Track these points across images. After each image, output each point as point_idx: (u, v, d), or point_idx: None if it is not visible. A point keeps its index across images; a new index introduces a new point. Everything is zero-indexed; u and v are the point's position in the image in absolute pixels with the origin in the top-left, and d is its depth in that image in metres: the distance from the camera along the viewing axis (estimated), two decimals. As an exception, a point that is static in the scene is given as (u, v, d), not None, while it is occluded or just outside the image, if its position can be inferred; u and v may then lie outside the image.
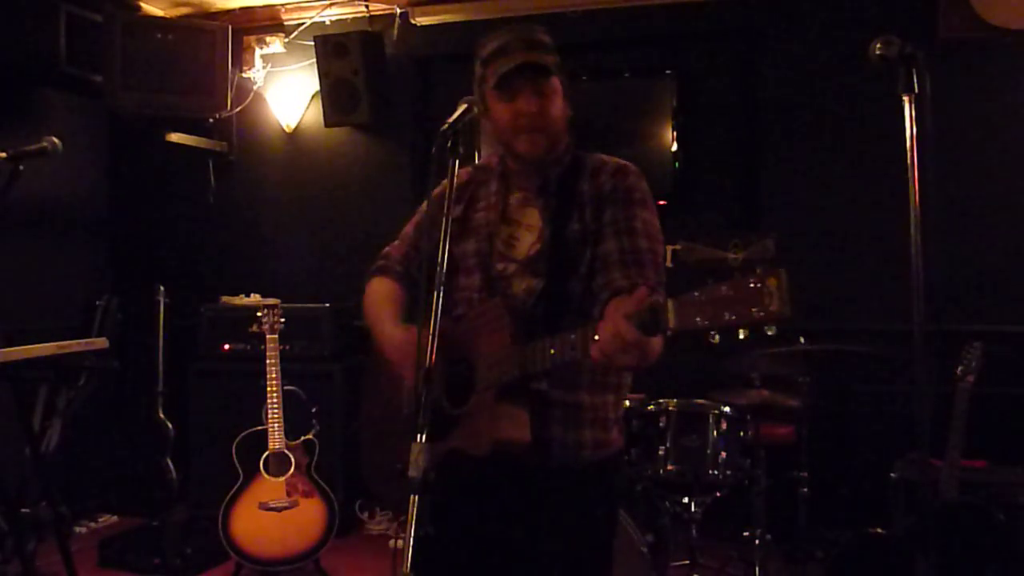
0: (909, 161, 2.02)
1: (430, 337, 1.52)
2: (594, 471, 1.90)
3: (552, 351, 1.62)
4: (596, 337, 1.51)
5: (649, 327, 1.43)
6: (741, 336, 1.31)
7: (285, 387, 3.75)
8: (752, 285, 1.29)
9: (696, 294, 1.36)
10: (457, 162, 1.70)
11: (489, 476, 1.80)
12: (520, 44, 1.87)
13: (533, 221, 1.94)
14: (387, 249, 2.18)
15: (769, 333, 1.28)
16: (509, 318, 1.75)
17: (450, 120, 1.71)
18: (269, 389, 3.69)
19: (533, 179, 1.96)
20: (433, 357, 1.51)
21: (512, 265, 1.91)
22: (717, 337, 1.33)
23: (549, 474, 1.82)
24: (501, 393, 1.72)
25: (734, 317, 1.31)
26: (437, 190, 1.96)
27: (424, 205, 2.03)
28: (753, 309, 1.28)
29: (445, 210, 1.63)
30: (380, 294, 2.10)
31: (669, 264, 4.46)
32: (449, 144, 1.68)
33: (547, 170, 1.95)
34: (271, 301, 3.97)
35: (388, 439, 1.99)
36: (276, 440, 3.68)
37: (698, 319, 1.35)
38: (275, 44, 5.09)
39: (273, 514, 3.65)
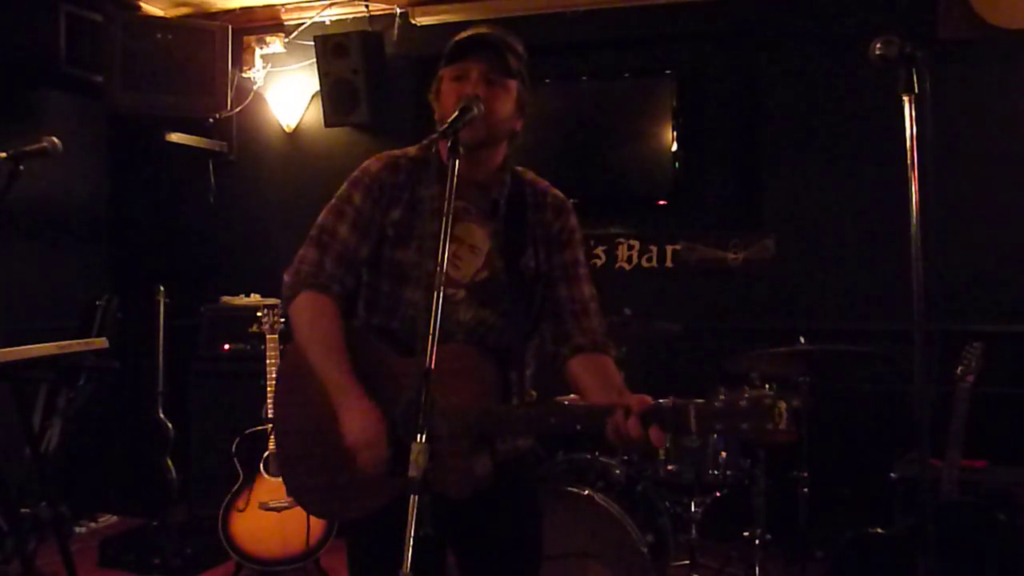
0: (909, 161, 2.02)
1: (430, 338, 1.51)
2: (526, 457, 2.03)
3: (552, 420, 1.71)
4: (608, 421, 1.62)
5: (670, 428, 1.59)
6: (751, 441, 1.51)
7: (285, 387, 3.74)
8: (768, 402, 1.48)
9: (716, 404, 1.52)
10: (457, 163, 1.68)
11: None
12: (491, 34, 1.86)
13: (478, 242, 1.91)
14: (313, 252, 1.94)
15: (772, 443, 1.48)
16: (489, 371, 1.79)
17: (450, 120, 1.71)
18: (269, 389, 3.69)
19: (472, 189, 1.91)
20: (433, 360, 1.51)
21: (461, 291, 1.89)
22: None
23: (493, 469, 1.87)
24: (475, 441, 1.77)
25: (748, 428, 1.49)
26: (366, 180, 1.94)
27: (358, 199, 1.93)
28: (768, 425, 1.47)
29: (445, 210, 1.62)
30: (330, 330, 1.88)
31: (669, 264, 4.47)
32: (449, 144, 1.68)
33: (489, 185, 1.93)
34: (271, 301, 3.97)
35: (317, 459, 1.89)
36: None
37: (718, 426, 1.52)
38: (275, 44, 5.09)
39: (273, 514, 3.65)
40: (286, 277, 1.97)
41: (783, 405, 1.47)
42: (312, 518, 3.69)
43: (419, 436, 1.47)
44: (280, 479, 3.65)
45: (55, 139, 2.71)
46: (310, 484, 1.93)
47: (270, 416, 3.68)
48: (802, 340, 3.42)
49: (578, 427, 1.68)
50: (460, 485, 1.75)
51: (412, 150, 1.99)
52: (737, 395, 1.51)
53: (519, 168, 2.02)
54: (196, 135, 4.98)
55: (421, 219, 1.90)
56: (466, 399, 1.75)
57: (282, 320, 3.81)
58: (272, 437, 3.60)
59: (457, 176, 1.81)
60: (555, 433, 1.79)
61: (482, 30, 1.88)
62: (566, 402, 1.75)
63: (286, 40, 5.05)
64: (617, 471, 3.31)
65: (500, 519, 1.94)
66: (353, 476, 1.81)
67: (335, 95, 4.79)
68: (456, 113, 1.71)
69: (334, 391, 1.82)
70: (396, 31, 4.87)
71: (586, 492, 3.09)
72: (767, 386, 1.52)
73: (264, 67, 5.09)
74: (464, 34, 1.88)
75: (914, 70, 1.98)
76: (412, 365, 1.61)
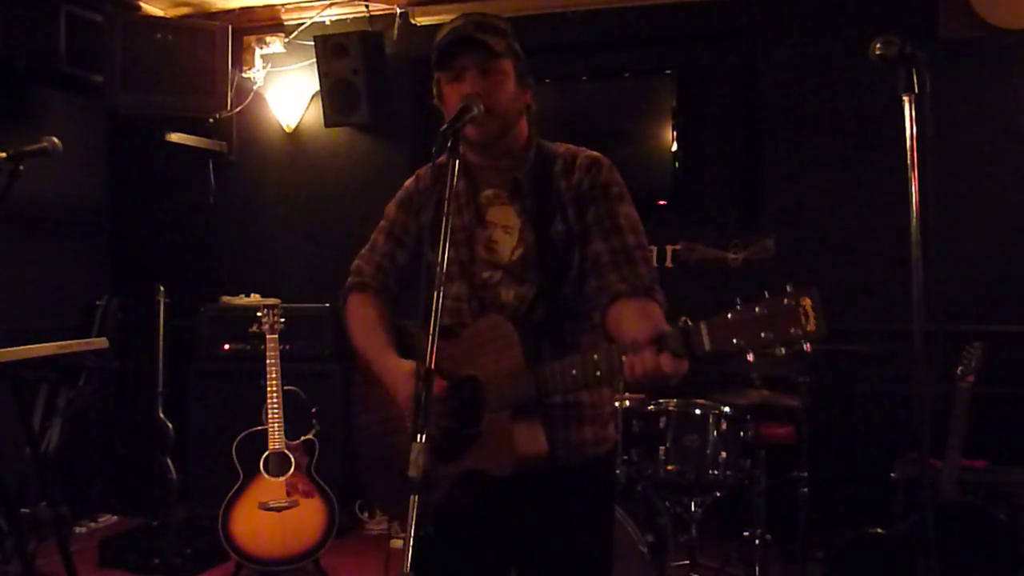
0: (909, 161, 2.02)
1: (430, 338, 1.51)
2: (595, 466, 1.91)
3: (574, 371, 1.63)
4: (623, 358, 1.53)
5: (681, 353, 1.45)
6: (782, 352, 1.33)
7: (285, 387, 3.75)
8: (786, 303, 1.32)
9: (729, 316, 1.38)
10: (457, 162, 1.68)
11: (501, 486, 1.79)
12: (468, 25, 1.84)
13: (510, 222, 1.90)
14: (358, 262, 2.09)
15: (806, 349, 1.31)
16: (517, 337, 1.74)
17: (450, 120, 1.71)
18: (269, 389, 3.69)
19: (501, 175, 1.91)
20: (433, 359, 1.51)
21: (497, 273, 1.88)
22: (752, 356, 1.37)
23: (554, 473, 1.81)
24: (515, 411, 1.73)
25: (771, 336, 1.34)
26: (401, 194, 2.06)
27: (392, 211, 2.06)
28: (792, 329, 1.32)
29: (445, 210, 1.62)
30: (368, 317, 2.00)
31: (669, 264, 4.47)
32: (449, 144, 1.68)
33: (515, 166, 1.91)
34: (271, 301, 3.97)
35: (391, 458, 1.94)
36: (276, 440, 3.68)
37: (735, 340, 1.38)
38: (275, 44, 5.09)
39: (273, 514, 3.65)
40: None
41: (808, 301, 1.30)
42: (310, 518, 3.69)
43: (419, 436, 1.46)
44: (280, 479, 3.67)
45: (55, 139, 2.71)
46: (386, 487, 1.99)
47: (270, 416, 3.68)
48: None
49: (597, 373, 1.60)
50: (501, 461, 1.71)
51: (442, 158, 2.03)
52: (752, 303, 1.36)
53: (548, 142, 1.97)
54: (196, 135, 4.98)
55: (448, 217, 1.92)
56: (497, 368, 1.74)
57: (282, 320, 3.81)
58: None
59: (481, 166, 1.89)
60: (579, 387, 1.68)
61: (459, 23, 1.85)
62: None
63: (286, 40, 5.05)
64: (617, 471, 3.31)
65: (565, 538, 1.87)
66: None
67: (335, 95, 4.79)
68: (456, 113, 1.71)
69: (376, 365, 1.91)
70: (396, 31, 4.87)
71: (586, 492, 3.09)
72: (787, 287, 1.32)
73: (264, 67, 5.09)
74: (444, 34, 1.85)
75: (914, 70, 1.98)
76: (448, 348, 1.63)
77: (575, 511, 1.88)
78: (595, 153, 1.94)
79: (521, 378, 1.71)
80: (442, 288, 1.55)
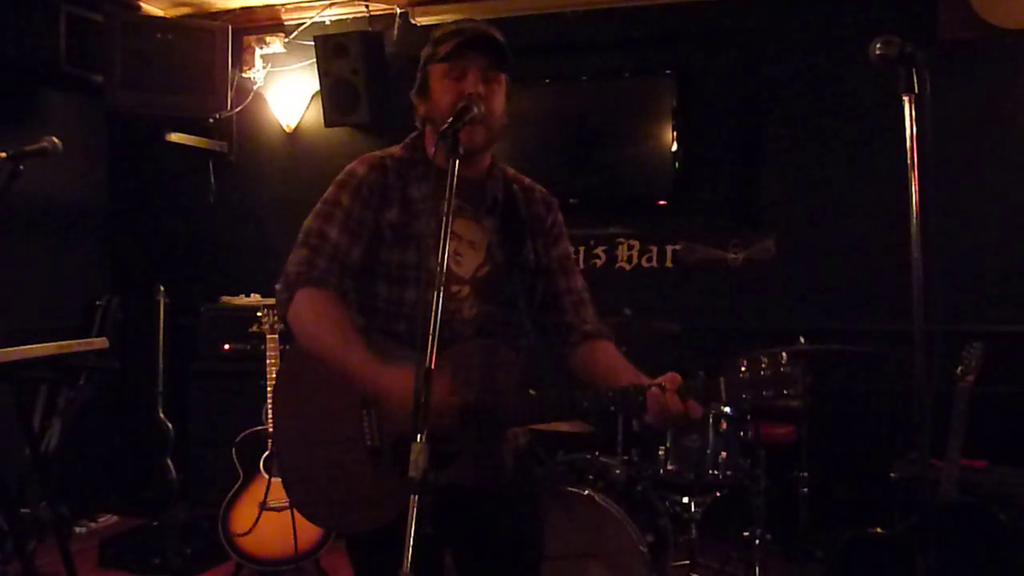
0: (909, 161, 2.02)
1: (429, 338, 1.51)
2: (526, 457, 2.03)
3: (585, 404, 1.78)
4: (641, 398, 1.69)
5: (704, 400, 1.68)
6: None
7: (285, 387, 3.74)
8: (784, 370, 1.63)
9: (740, 376, 1.65)
10: (457, 162, 1.68)
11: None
12: (481, 26, 1.87)
13: (476, 238, 1.92)
14: (305, 252, 1.87)
15: (796, 406, 1.55)
16: (515, 365, 1.86)
17: (450, 120, 1.70)
18: (269, 389, 3.69)
19: (470, 188, 1.88)
20: (434, 360, 1.51)
21: (465, 287, 1.89)
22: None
23: None
24: (504, 431, 1.85)
25: (771, 394, 1.64)
26: (352, 182, 1.90)
27: (346, 201, 1.87)
28: (786, 390, 1.63)
29: (446, 210, 1.62)
30: (339, 319, 1.81)
31: (669, 264, 4.47)
32: (449, 145, 1.68)
33: (483, 182, 1.93)
34: (271, 301, 3.96)
35: (323, 468, 1.85)
36: (276, 440, 3.68)
37: (744, 396, 1.66)
38: (275, 44, 5.09)
39: (273, 514, 3.65)
40: (278, 286, 1.89)
41: (797, 371, 1.64)
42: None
43: (419, 436, 1.47)
44: (281, 479, 3.66)
45: (55, 139, 2.71)
46: (319, 496, 1.87)
47: (270, 418, 3.68)
48: (802, 340, 3.42)
49: (612, 408, 1.76)
50: (498, 476, 1.82)
51: (395, 150, 1.97)
52: (757, 365, 1.65)
53: (514, 172, 2.05)
54: (196, 135, 4.98)
55: (416, 219, 1.87)
56: (498, 391, 1.80)
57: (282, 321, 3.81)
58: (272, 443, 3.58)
59: (459, 180, 1.81)
60: (587, 415, 1.90)
61: (480, 27, 1.86)
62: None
63: (286, 40, 5.05)
64: (617, 471, 3.31)
65: (500, 518, 1.93)
66: (365, 487, 1.80)
67: (335, 95, 4.79)
68: (456, 113, 1.71)
69: (360, 372, 1.74)
70: (396, 31, 4.87)
71: (586, 492, 3.09)
72: (783, 353, 1.64)
73: (264, 67, 5.09)
74: (456, 29, 1.86)
75: (914, 70, 1.98)
76: (439, 362, 1.52)
77: (510, 495, 1.93)
78: (544, 189, 2.07)
79: (520, 404, 1.80)
80: (442, 288, 1.55)
